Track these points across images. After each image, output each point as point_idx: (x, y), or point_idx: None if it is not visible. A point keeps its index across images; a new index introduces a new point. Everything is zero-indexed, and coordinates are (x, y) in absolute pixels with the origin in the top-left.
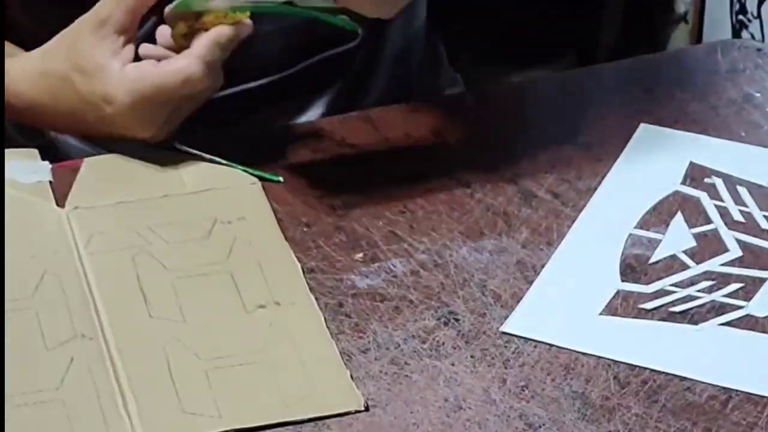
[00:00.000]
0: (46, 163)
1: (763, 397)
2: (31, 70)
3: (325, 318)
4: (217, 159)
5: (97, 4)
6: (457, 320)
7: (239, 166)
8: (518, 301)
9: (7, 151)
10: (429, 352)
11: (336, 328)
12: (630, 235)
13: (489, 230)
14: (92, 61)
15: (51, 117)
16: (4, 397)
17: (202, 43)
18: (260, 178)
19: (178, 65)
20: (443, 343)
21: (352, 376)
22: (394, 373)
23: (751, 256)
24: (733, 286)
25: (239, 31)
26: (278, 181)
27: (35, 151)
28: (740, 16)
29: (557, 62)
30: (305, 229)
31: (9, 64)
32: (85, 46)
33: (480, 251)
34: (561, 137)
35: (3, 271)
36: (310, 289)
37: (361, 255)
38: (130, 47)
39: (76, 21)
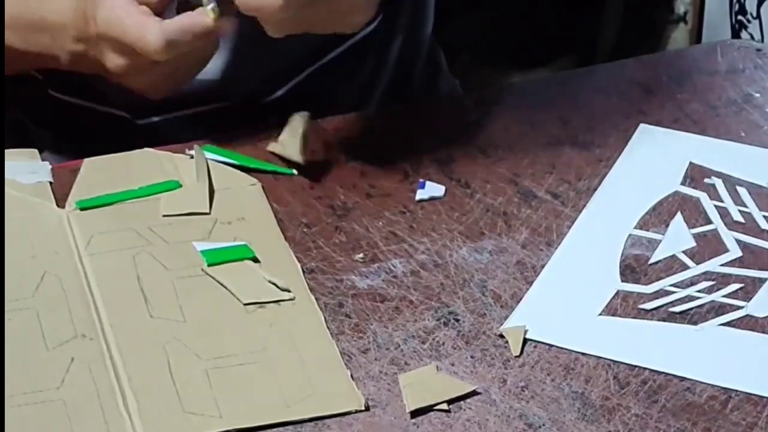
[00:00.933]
0: (46, 163)
1: (763, 397)
2: None
3: (325, 318)
4: (228, 161)
5: None
6: (457, 320)
7: (253, 161)
8: (518, 302)
9: (7, 151)
10: (429, 352)
11: (336, 329)
12: (630, 235)
13: (489, 230)
14: None
15: (60, 40)
16: (3, 397)
17: (174, 22)
18: (274, 173)
19: (141, 24)
20: (443, 344)
21: (352, 376)
22: (394, 373)
23: (750, 257)
24: (733, 287)
25: (218, 29)
26: (292, 174)
27: (35, 152)
28: (740, 17)
29: (557, 62)
30: (305, 230)
31: None
32: None
33: (480, 251)
34: (561, 137)
35: (3, 272)
36: (310, 289)
37: (361, 255)
38: None
39: None
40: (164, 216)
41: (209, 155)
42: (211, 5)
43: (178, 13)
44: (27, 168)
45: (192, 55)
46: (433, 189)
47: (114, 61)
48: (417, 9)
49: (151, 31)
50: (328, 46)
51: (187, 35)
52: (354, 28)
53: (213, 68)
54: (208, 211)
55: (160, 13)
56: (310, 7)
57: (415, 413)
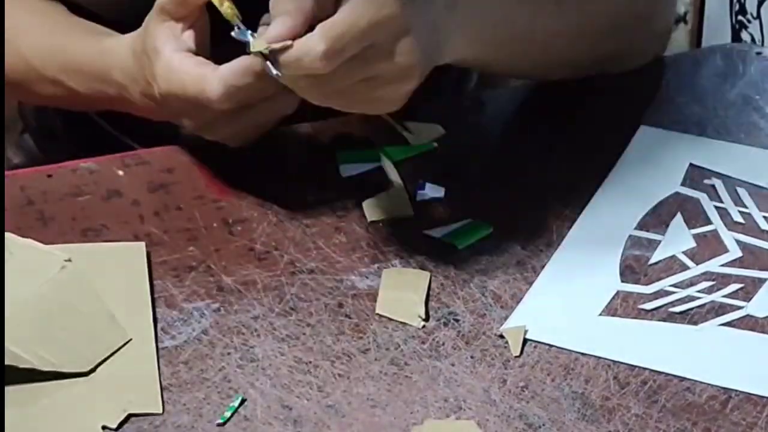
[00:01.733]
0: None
1: (763, 397)
2: (123, 48)
3: (324, 318)
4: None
5: None
6: (457, 321)
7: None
8: (518, 302)
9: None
10: (429, 352)
11: (336, 329)
12: (630, 235)
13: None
14: (151, 43)
15: (128, 93)
16: (4, 396)
17: (230, 66)
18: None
19: (199, 75)
20: (443, 344)
21: (351, 377)
22: (394, 373)
23: (750, 257)
24: (733, 287)
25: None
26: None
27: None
28: (740, 17)
29: None
30: (305, 230)
31: (108, 40)
32: (151, 28)
33: (480, 252)
34: (561, 138)
35: (3, 273)
36: (311, 289)
37: (361, 255)
38: (189, 34)
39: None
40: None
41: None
42: (250, 39)
43: None
44: None
45: (261, 99)
46: (433, 190)
47: (186, 121)
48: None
49: (209, 81)
50: None
51: (247, 77)
52: (383, 111)
53: None
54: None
55: (191, 24)
56: (352, 70)
57: (415, 413)
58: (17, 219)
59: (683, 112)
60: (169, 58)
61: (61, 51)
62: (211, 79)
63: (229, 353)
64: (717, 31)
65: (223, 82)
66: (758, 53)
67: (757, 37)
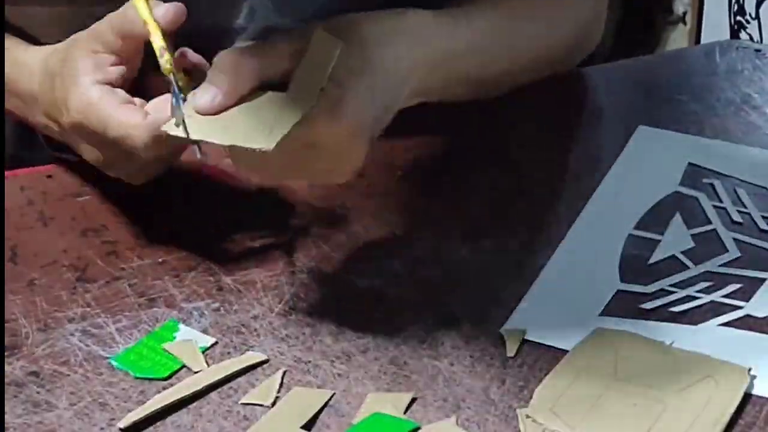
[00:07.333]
0: None
1: (762, 397)
2: (34, 62)
3: (324, 318)
4: None
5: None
6: (456, 320)
7: None
8: (518, 302)
9: None
10: (428, 352)
11: (336, 328)
12: (629, 235)
13: (489, 230)
14: (71, 68)
15: (31, 110)
16: (3, 393)
17: (161, 115)
18: None
19: (126, 119)
20: (442, 343)
21: (351, 377)
22: (394, 372)
23: (749, 257)
24: (732, 287)
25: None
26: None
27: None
28: (738, 17)
29: None
30: (305, 229)
31: (21, 52)
32: (75, 53)
33: (479, 251)
34: (561, 137)
35: (3, 266)
36: (311, 289)
37: (361, 255)
38: (118, 69)
39: (87, 29)
40: None
41: None
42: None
43: None
44: None
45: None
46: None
47: (90, 154)
48: None
49: (138, 128)
50: None
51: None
52: (342, 180)
53: None
54: None
55: (122, 60)
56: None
57: (414, 413)
58: (17, 219)
59: (682, 111)
60: (87, 90)
61: None
62: (140, 127)
63: (229, 353)
64: (716, 31)
65: (152, 131)
66: (757, 51)
67: (756, 37)
